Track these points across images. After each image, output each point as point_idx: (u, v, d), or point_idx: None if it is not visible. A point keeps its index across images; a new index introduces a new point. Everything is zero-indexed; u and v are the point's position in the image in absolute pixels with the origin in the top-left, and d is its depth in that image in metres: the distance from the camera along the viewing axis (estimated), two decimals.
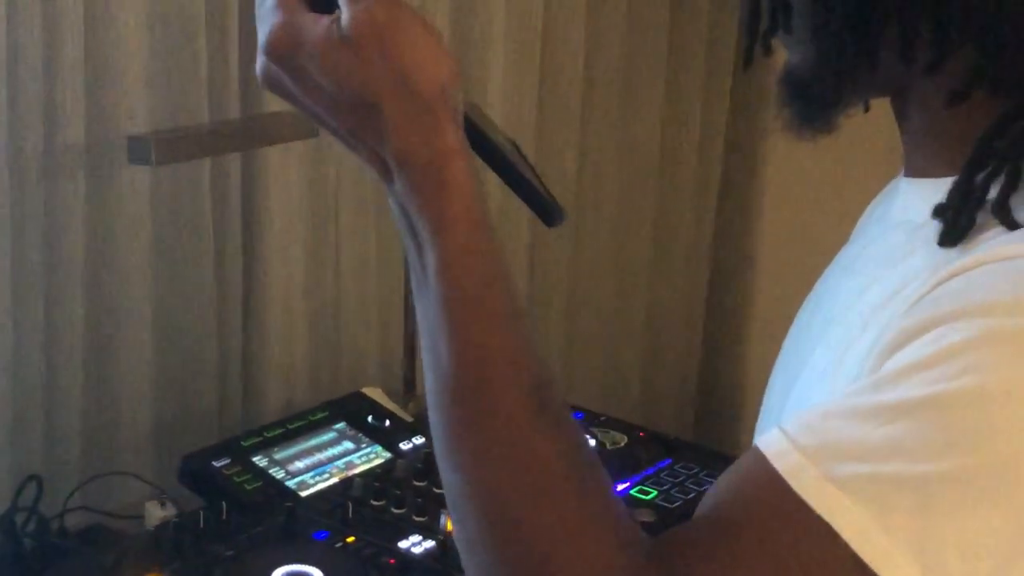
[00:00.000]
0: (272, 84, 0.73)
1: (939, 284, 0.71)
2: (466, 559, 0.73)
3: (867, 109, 0.87)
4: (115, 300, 1.79)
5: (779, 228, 2.97)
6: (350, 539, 1.51)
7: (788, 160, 2.89)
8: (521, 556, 0.69)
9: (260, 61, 0.72)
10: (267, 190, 1.93)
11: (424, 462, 1.69)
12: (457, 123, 0.71)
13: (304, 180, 1.99)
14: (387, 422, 1.79)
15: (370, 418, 1.79)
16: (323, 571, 1.40)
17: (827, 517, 0.66)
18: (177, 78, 1.79)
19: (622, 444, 1.78)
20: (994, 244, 0.72)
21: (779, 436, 0.70)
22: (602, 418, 1.89)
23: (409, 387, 2.06)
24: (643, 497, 1.65)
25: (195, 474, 1.63)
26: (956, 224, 0.75)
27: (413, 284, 0.74)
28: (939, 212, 0.77)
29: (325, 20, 0.70)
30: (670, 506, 1.64)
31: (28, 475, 1.60)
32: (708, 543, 0.69)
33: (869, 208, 1.00)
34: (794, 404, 0.83)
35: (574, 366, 2.63)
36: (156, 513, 1.61)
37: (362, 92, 0.69)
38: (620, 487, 1.67)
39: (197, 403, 1.91)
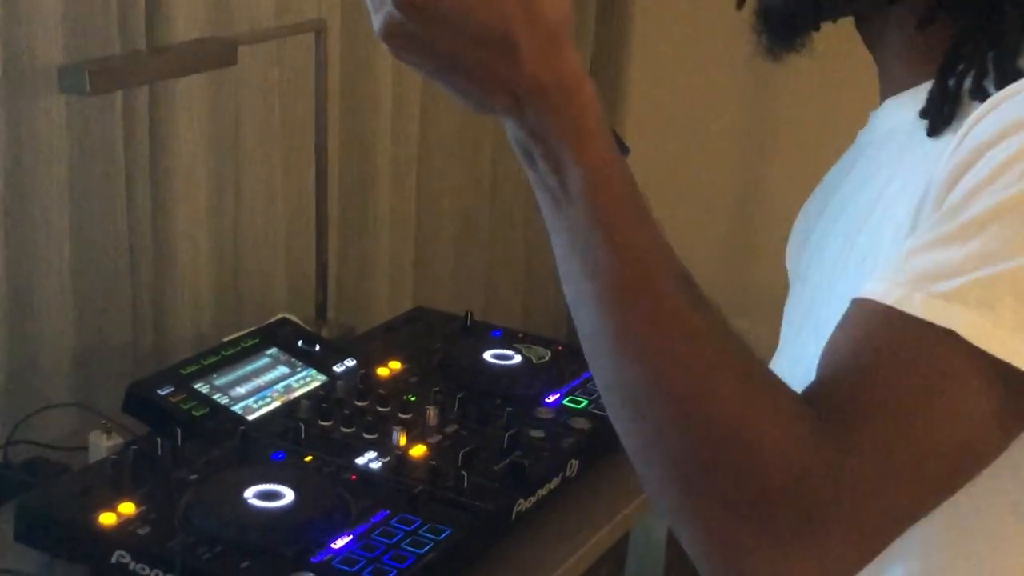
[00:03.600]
0: (396, 38, 0.75)
1: (968, 131, 0.80)
2: (651, 449, 0.78)
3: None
4: (33, 233, 1.77)
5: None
6: (308, 458, 1.55)
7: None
8: (718, 428, 0.75)
9: (385, 16, 0.74)
10: (173, 119, 1.93)
11: (362, 383, 1.73)
12: (575, 48, 0.76)
13: (208, 109, 1.99)
14: (317, 346, 1.82)
15: (300, 343, 1.81)
16: (292, 489, 1.43)
17: (947, 326, 0.74)
18: (86, 9, 1.77)
19: (547, 358, 1.85)
20: (1004, 90, 0.82)
21: (875, 283, 0.78)
22: (520, 335, 1.95)
23: (321, 312, 2.09)
24: (575, 406, 1.72)
25: (141, 403, 1.63)
26: (940, 115, 0.88)
27: (547, 208, 0.78)
28: (925, 113, 0.89)
29: None
30: (602, 412, 1.71)
31: None
32: (856, 388, 0.76)
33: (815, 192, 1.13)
34: (840, 303, 0.89)
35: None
36: (102, 443, 1.62)
37: (498, 26, 0.73)
38: (552, 398, 1.74)
39: (113, 335, 1.91)
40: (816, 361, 0.91)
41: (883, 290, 0.77)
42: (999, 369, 0.74)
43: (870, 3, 0.96)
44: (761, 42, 0.99)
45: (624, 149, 0.82)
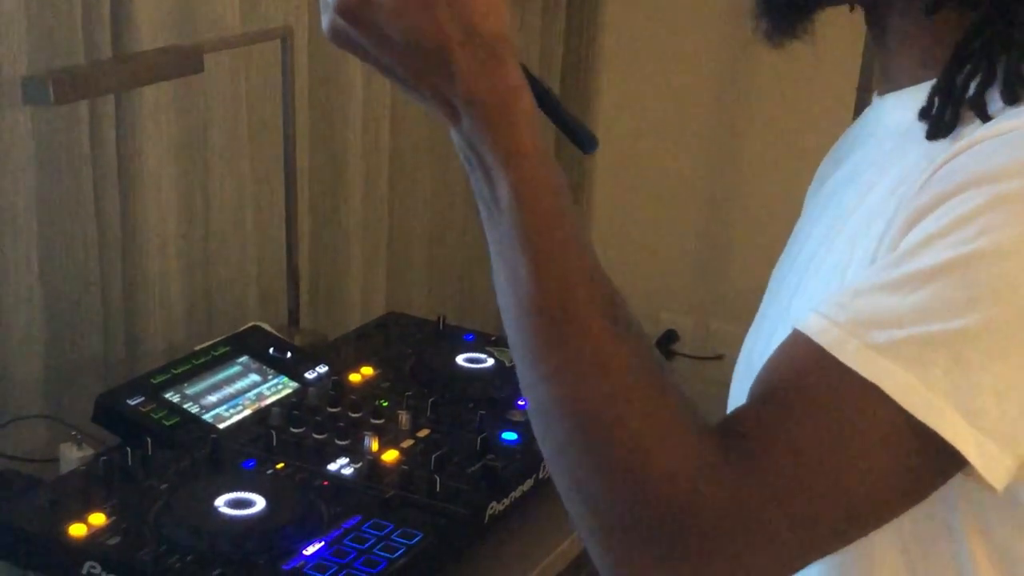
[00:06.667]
0: (341, 40, 0.78)
1: (943, 165, 0.79)
2: (556, 464, 0.79)
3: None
4: (1, 244, 1.76)
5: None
6: (279, 465, 1.54)
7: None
8: (615, 453, 0.76)
9: (329, 19, 0.77)
10: (141, 128, 1.92)
11: (334, 389, 1.72)
12: (517, 63, 0.77)
13: (176, 116, 1.98)
14: (288, 353, 1.81)
15: (271, 350, 1.81)
16: (263, 496, 1.42)
17: (874, 380, 0.74)
18: (51, 19, 1.76)
19: None
20: (987, 125, 0.80)
21: (817, 317, 0.77)
22: (493, 338, 1.95)
23: (294, 319, 2.09)
24: None
25: (111, 413, 1.62)
26: (942, 119, 0.83)
27: (483, 217, 0.80)
28: (924, 113, 0.85)
29: None
30: None
31: None
32: (770, 423, 0.76)
33: (837, 144, 1.09)
34: (802, 307, 0.88)
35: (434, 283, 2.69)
36: (73, 454, 1.61)
37: (432, 39, 0.75)
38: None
39: (83, 346, 1.90)
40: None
41: (820, 328, 0.76)
42: (919, 429, 0.74)
43: None
44: (760, 27, 0.97)
45: (592, 142, 0.82)
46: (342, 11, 0.76)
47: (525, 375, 0.79)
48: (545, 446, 0.80)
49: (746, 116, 3.02)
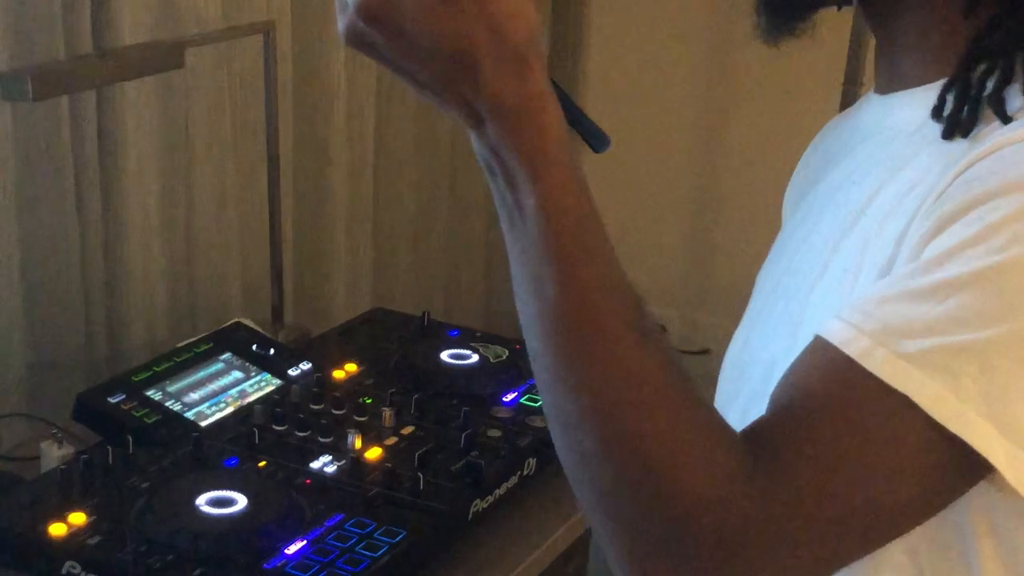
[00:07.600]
0: (359, 43, 0.74)
1: (965, 170, 0.77)
2: (580, 475, 0.77)
3: (840, 7, 0.94)
4: None
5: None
6: (262, 464, 1.53)
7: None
8: (642, 464, 0.74)
9: (346, 21, 0.73)
10: (122, 124, 1.91)
11: (318, 386, 1.71)
12: (544, 68, 0.74)
13: (157, 112, 1.97)
14: (271, 350, 1.80)
15: (254, 347, 1.79)
16: (245, 495, 1.41)
17: (903, 390, 0.72)
18: (30, 14, 1.75)
19: (504, 357, 1.84)
20: (1008, 128, 0.79)
21: (842, 326, 0.76)
22: (478, 334, 1.94)
23: (277, 316, 2.07)
24: (533, 405, 1.71)
25: (92, 411, 1.61)
26: (958, 118, 0.82)
27: (505, 226, 0.77)
28: (937, 112, 0.83)
29: None
30: None
31: None
32: (796, 434, 0.75)
33: (817, 140, 1.08)
34: (815, 310, 0.88)
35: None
36: (54, 452, 1.59)
37: (459, 44, 0.72)
38: (510, 396, 1.73)
39: (65, 343, 1.89)
40: (784, 357, 0.90)
41: (847, 337, 0.75)
42: (948, 439, 0.73)
43: None
44: (760, 24, 0.95)
45: (603, 141, 0.81)
46: (365, 15, 0.72)
47: (549, 386, 0.78)
48: (567, 457, 0.78)
49: (733, 111, 3.02)
